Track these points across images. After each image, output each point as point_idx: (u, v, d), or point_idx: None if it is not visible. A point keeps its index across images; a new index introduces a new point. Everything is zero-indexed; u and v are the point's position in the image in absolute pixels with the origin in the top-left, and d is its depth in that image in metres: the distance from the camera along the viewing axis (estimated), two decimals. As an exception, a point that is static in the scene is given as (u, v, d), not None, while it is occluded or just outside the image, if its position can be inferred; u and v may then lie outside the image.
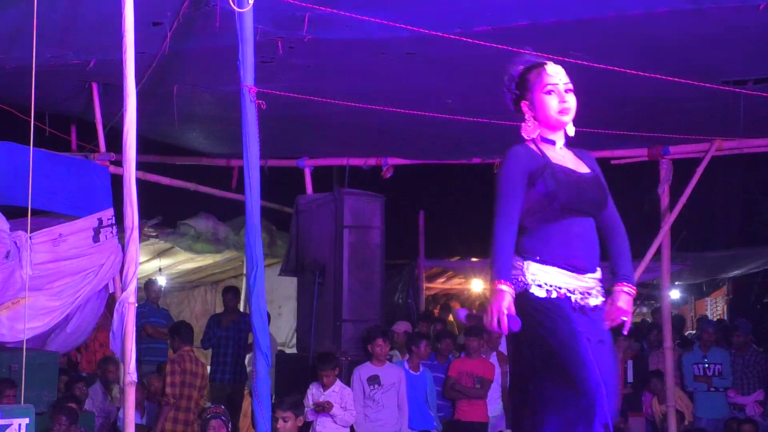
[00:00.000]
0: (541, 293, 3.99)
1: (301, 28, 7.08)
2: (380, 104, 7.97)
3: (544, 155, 4.14)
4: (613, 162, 9.64)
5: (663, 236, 9.76)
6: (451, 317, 13.99)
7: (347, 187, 9.84)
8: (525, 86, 4.22)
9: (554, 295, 3.99)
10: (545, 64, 4.23)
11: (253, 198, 6.51)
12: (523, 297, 3.98)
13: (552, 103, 4.15)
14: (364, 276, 8.91)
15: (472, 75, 8.07)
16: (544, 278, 4.01)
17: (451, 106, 8.79)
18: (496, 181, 4.08)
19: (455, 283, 16.79)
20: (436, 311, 14.28)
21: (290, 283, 9.50)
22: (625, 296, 4.19)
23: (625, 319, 4.18)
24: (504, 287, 3.89)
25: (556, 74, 4.19)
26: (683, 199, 9.60)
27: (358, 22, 6.78)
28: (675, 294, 17.31)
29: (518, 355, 4.15)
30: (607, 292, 4.20)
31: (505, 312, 3.86)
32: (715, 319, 16.80)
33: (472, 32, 6.94)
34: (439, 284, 16.71)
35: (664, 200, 9.63)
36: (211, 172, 11.59)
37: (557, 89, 4.16)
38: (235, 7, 6.28)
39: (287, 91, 7.59)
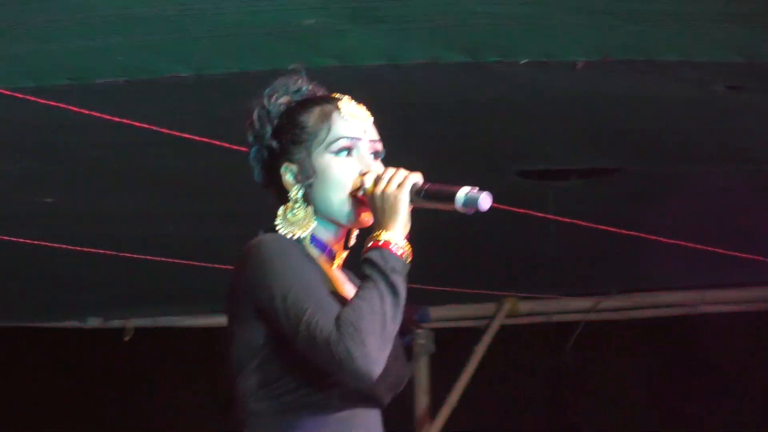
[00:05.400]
0: None
1: None
2: None
3: (322, 271, 2.12)
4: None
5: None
6: None
7: None
8: (293, 136, 2.13)
9: None
10: (338, 99, 2.16)
11: None
12: None
13: (346, 173, 2.09)
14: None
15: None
16: None
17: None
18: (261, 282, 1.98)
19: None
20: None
21: None
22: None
23: None
24: None
25: (356, 119, 2.13)
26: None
27: None
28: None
29: None
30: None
31: None
32: None
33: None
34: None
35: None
36: None
37: (358, 149, 2.11)
38: None
39: None
